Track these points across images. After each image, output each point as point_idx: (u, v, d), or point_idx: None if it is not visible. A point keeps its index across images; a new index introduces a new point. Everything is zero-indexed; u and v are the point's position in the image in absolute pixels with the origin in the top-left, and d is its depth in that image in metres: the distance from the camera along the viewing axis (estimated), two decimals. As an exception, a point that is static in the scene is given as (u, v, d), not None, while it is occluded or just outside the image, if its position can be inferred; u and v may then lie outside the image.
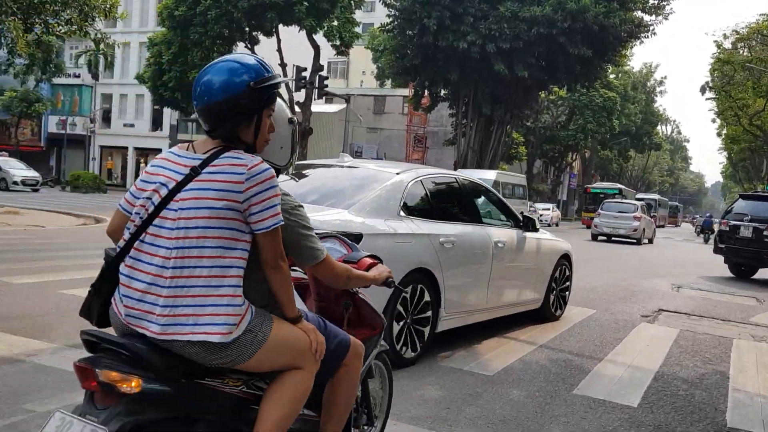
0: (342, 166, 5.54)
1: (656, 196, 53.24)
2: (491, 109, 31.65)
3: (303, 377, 2.14)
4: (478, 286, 5.70)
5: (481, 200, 6.45)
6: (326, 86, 27.77)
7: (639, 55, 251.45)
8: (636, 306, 8.73)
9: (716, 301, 10.15)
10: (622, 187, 45.56)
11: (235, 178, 1.96)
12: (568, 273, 7.37)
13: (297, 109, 29.76)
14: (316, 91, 28.06)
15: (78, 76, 46.69)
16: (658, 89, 70.04)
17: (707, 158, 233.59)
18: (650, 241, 26.92)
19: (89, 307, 2.07)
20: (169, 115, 44.95)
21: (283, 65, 28.80)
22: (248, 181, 1.96)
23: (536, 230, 6.60)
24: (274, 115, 2.16)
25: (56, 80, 45.89)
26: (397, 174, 5.23)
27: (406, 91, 41.10)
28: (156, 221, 1.98)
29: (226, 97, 1.98)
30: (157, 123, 46.68)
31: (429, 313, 4.98)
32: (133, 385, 1.85)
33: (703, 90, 43.09)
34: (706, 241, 30.78)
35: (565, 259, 7.27)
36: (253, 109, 2.04)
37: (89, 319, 2.08)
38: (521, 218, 6.46)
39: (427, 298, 4.95)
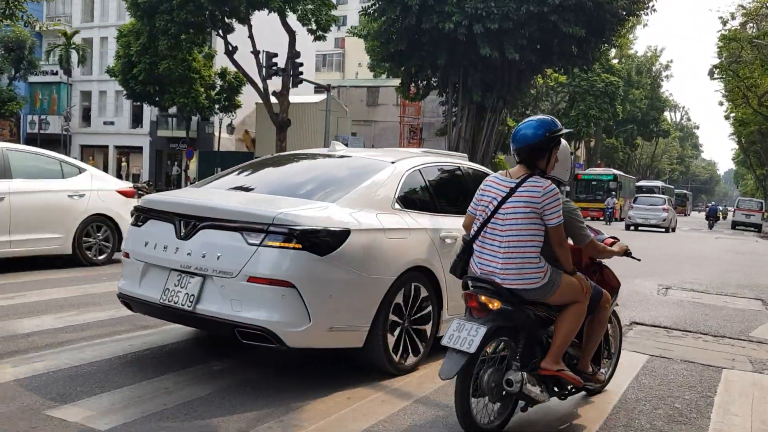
0: (333, 156, 5.32)
1: (659, 184, 51.48)
2: (482, 95, 30.21)
3: (579, 309, 3.56)
4: None
5: None
6: (301, 73, 26.54)
7: (643, 39, 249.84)
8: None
9: (710, 306, 8.37)
10: (618, 173, 43.03)
11: (536, 195, 3.38)
12: None
13: (273, 99, 28.49)
14: (301, 82, 26.74)
15: (56, 74, 45.07)
16: (663, 74, 68.39)
17: (719, 145, 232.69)
18: (673, 230, 30.21)
19: (455, 267, 3.66)
20: (149, 112, 43.63)
21: (255, 52, 27.40)
22: (543, 197, 3.38)
23: None
24: (559, 149, 3.61)
25: (33, 78, 44.67)
26: (392, 163, 4.96)
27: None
28: (492, 220, 3.48)
29: (532, 143, 3.44)
30: (137, 120, 45.43)
31: (429, 309, 4.63)
32: (495, 305, 3.35)
33: (711, 74, 41.46)
34: (711, 227, 36.11)
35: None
36: (547, 149, 3.50)
37: (455, 273, 3.68)
38: None
39: (424, 294, 4.61)
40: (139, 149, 45.68)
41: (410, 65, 31.52)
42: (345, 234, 4.01)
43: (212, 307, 3.93)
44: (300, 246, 3.81)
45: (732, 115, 50.34)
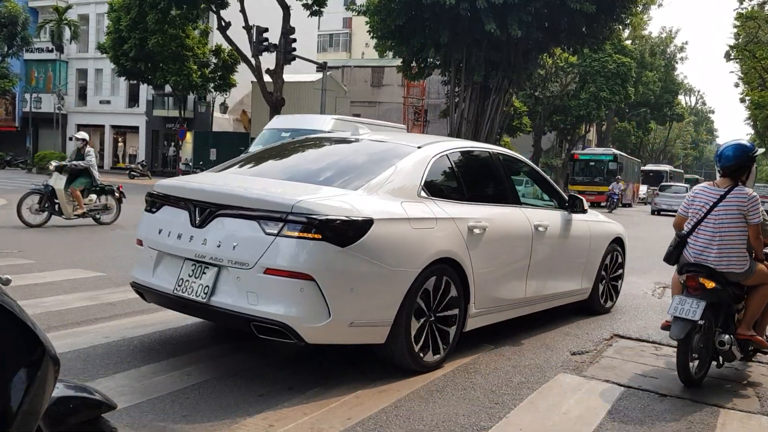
0: (357, 140, 5.18)
1: (667, 168, 50.92)
2: (486, 75, 29.78)
3: (766, 289, 4.57)
4: (515, 277, 5.28)
5: (519, 178, 6.08)
6: (293, 50, 26.13)
7: (657, 19, 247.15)
8: (574, 330, 5.79)
9: None
10: (618, 153, 41.14)
11: (743, 201, 4.43)
12: (620, 260, 6.99)
13: (267, 78, 28.14)
14: (294, 59, 26.44)
15: (51, 51, 44.87)
16: (678, 56, 68.01)
17: (735, 130, 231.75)
18: None
19: (670, 256, 4.66)
20: (145, 91, 43.48)
21: (247, 28, 26.94)
22: (748, 203, 4.43)
23: (584, 211, 6.20)
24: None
25: (30, 56, 44.63)
26: (419, 148, 4.83)
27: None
28: (705, 220, 4.51)
29: (736, 163, 4.48)
30: (134, 99, 45.30)
31: (455, 306, 4.52)
32: (711, 285, 4.34)
33: (727, 56, 41.08)
34: None
35: (618, 243, 6.88)
36: (747, 166, 4.57)
37: (669, 261, 4.70)
38: (566, 198, 6.14)
39: (453, 293, 4.50)
40: (135, 129, 45.60)
41: (412, 43, 30.96)
42: (368, 224, 3.88)
43: (228, 299, 3.85)
44: (320, 236, 3.70)
45: (748, 98, 49.98)
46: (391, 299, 4.03)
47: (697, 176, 70.63)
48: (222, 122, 42.74)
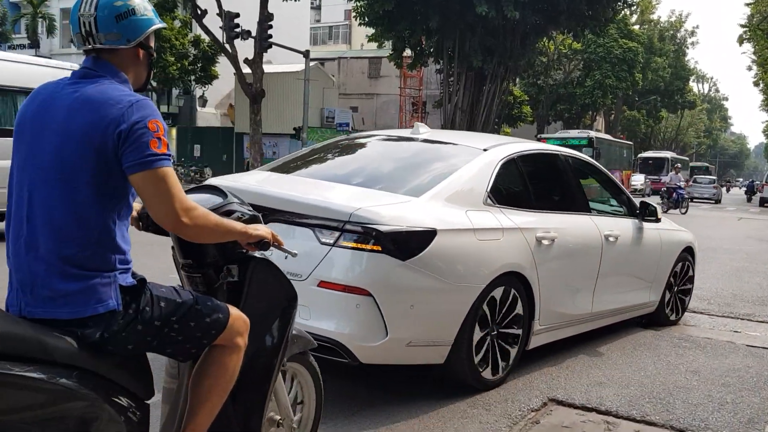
0: (415, 139, 5.07)
1: (668, 154, 50.40)
2: (481, 61, 29.22)
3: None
4: (583, 291, 5.17)
5: (588, 182, 6.11)
6: (269, 37, 25.65)
7: (667, 2, 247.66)
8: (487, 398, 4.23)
9: (707, 347, 5.59)
10: (597, 135, 37.88)
11: None
12: (690, 272, 6.84)
13: (246, 69, 27.52)
14: (270, 47, 25.94)
15: (27, 47, 44.67)
16: (689, 40, 68.04)
17: (750, 117, 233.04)
18: (719, 201, 39.57)
19: None
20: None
21: (221, 13, 26.10)
22: None
23: (657, 219, 6.07)
24: None
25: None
26: (485, 150, 4.71)
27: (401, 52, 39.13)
28: None
29: None
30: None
31: (518, 331, 4.42)
32: None
33: (740, 40, 41.27)
34: (749, 200, 43.83)
35: (688, 252, 6.75)
36: None
37: None
38: (638, 204, 6.04)
39: (518, 309, 4.39)
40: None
41: (400, 28, 30.41)
42: (431, 235, 3.79)
43: None
44: (379, 248, 3.61)
45: (762, 81, 50.28)
46: (453, 317, 3.94)
47: (706, 164, 69.92)
48: (208, 117, 42.35)
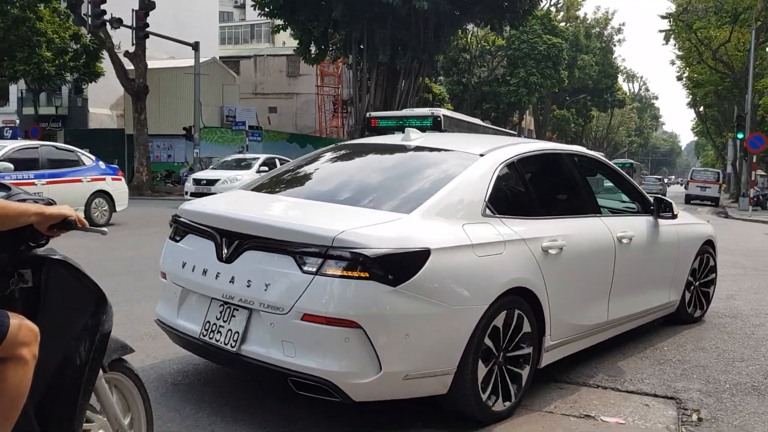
0: (407, 147, 4.99)
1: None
2: (392, 55, 29.42)
3: None
4: (596, 299, 5.10)
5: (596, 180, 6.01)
6: (146, 26, 25.27)
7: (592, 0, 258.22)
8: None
9: None
10: (445, 113, 32.92)
11: None
12: (712, 263, 6.94)
13: (129, 64, 26.84)
14: (147, 36, 25.61)
15: None
16: (615, 38, 70.85)
17: (680, 116, 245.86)
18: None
19: None
20: (16, 87, 41.64)
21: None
22: None
23: (674, 216, 6.03)
24: None
25: None
26: (481, 156, 4.59)
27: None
28: None
29: None
30: (3, 96, 43.36)
31: (527, 350, 4.30)
32: None
33: (667, 37, 43.29)
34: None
35: (709, 245, 6.86)
36: None
37: None
38: (652, 200, 5.97)
39: (526, 328, 4.26)
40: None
41: (302, 19, 30.14)
42: (424, 255, 3.66)
43: (260, 349, 3.66)
44: (367, 275, 3.48)
45: (686, 75, 52.91)
46: (453, 343, 3.82)
47: (631, 161, 72.18)
48: (102, 119, 41.14)
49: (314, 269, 3.54)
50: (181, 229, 4.32)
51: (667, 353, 5.72)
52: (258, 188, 4.82)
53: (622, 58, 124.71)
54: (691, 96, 57.21)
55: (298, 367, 3.54)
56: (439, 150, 4.90)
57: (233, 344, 3.76)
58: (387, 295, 3.54)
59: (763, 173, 55.29)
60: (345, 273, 3.50)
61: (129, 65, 27.91)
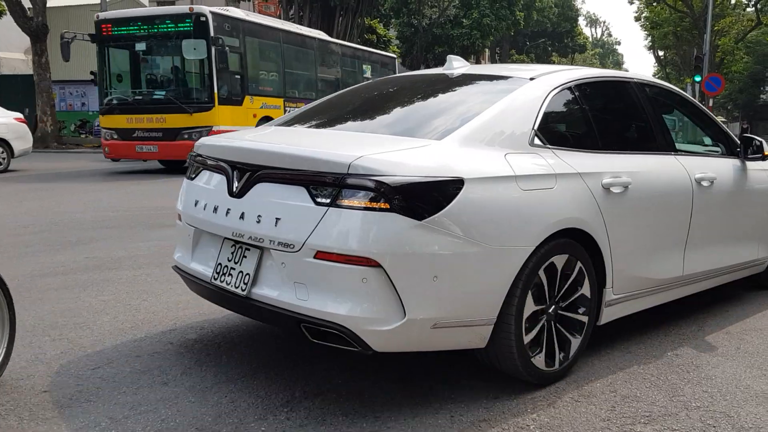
0: (449, 76, 4.70)
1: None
2: None
3: None
4: (670, 249, 4.66)
5: (673, 116, 5.64)
6: None
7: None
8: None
9: None
10: (203, 12, 21.63)
11: None
12: None
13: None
14: None
15: None
16: (575, -23, 70.42)
17: (643, 62, 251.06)
18: None
19: None
20: None
21: None
22: None
23: (764, 157, 5.57)
24: None
25: None
26: (531, 80, 4.21)
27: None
28: None
29: None
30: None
31: (584, 304, 3.96)
32: None
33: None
34: None
35: None
36: None
37: None
38: (738, 142, 5.50)
39: (583, 277, 3.92)
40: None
41: None
42: (456, 185, 3.33)
43: (272, 292, 3.41)
44: (388, 206, 3.16)
45: (644, 15, 53.85)
46: (492, 289, 3.45)
47: None
48: (15, 64, 39.40)
49: (328, 201, 3.26)
50: (196, 166, 4.16)
51: None
52: (287, 123, 4.59)
53: (581, 1, 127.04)
54: (649, 38, 58.25)
55: (310, 312, 3.26)
56: (484, 77, 4.63)
57: (243, 287, 3.53)
58: (411, 230, 3.20)
59: (724, 120, 56.58)
60: (362, 204, 3.18)
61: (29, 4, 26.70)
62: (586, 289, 3.95)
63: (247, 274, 3.55)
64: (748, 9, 52.01)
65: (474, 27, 46.60)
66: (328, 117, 4.60)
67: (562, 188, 3.81)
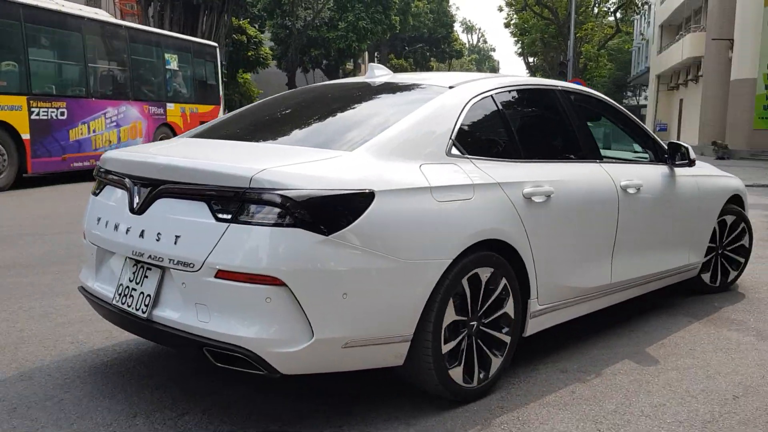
0: (369, 85, 4.66)
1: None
2: None
3: None
4: (597, 257, 4.65)
5: (599, 123, 5.83)
6: None
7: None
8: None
9: None
10: None
11: None
12: (742, 224, 6.33)
13: None
14: None
15: None
16: (448, -16, 71.96)
17: (516, 68, 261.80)
18: None
19: None
20: None
21: None
22: None
23: (691, 163, 5.56)
24: None
25: None
26: (450, 88, 4.17)
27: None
28: None
29: None
30: None
31: (507, 316, 3.91)
32: None
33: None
34: None
35: (736, 202, 6.31)
36: None
37: None
38: (665, 147, 5.50)
39: (504, 288, 3.86)
40: None
41: None
42: (366, 198, 3.26)
43: (173, 314, 3.28)
44: (292, 221, 3.06)
45: (513, 22, 56.02)
46: (407, 305, 3.38)
47: None
48: None
49: (230, 217, 3.15)
50: (100, 181, 4.02)
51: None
52: (198, 134, 4.47)
53: (456, 7, 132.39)
54: (519, 44, 60.56)
55: (212, 334, 3.13)
56: (404, 86, 4.59)
57: (144, 309, 3.39)
58: (317, 246, 3.10)
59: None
60: (265, 220, 3.09)
61: None
62: (510, 308, 3.90)
63: (148, 295, 3.41)
64: (609, 18, 54.77)
65: (350, 30, 46.93)
66: (242, 128, 4.49)
67: (480, 199, 3.77)
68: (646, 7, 54.83)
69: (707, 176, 6.01)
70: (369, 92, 4.59)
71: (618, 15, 51.33)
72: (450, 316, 3.56)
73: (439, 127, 3.87)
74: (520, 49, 63.21)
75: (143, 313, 3.40)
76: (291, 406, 3.69)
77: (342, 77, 48.93)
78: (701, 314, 5.61)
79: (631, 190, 4.90)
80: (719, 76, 35.54)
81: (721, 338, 4.97)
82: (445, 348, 3.56)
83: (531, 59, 63.43)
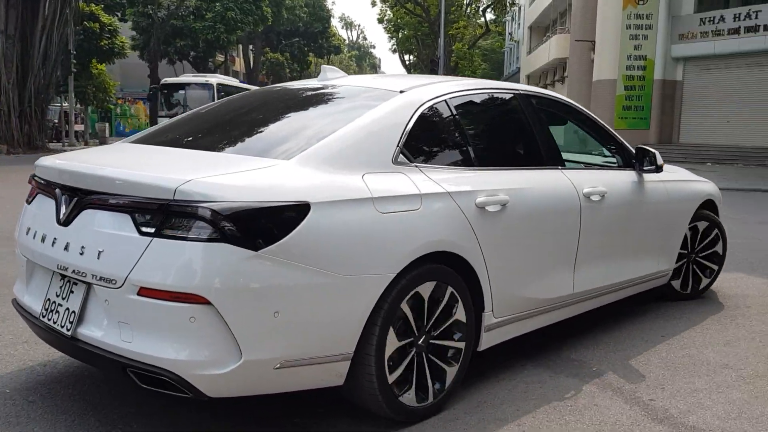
0: (322, 87, 4.52)
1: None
2: None
3: None
4: (557, 268, 4.52)
5: (563, 128, 5.78)
6: None
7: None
8: None
9: None
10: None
11: None
12: (715, 230, 6.28)
13: None
14: None
15: None
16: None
17: (397, 65, 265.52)
18: None
19: None
20: None
21: None
22: None
23: (658, 169, 5.46)
24: None
25: None
26: (401, 92, 4.03)
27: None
28: None
29: None
30: None
31: (459, 331, 3.83)
32: None
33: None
34: None
35: (709, 207, 6.25)
36: None
37: None
38: (633, 151, 5.40)
39: (456, 303, 3.78)
40: None
41: None
42: (301, 210, 3.14)
43: (96, 332, 3.16)
44: (218, 236, 2.93)
45: (386, 18, 56.86)
46: (347, 322, 3.27)
47: None
48: None
49: (153, 230, 3.02)
50: (32, 189, 3.92)
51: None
52: (138, 140, 4.32)
53: (332, 1, 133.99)
54: (393, 40, 61.50)
55: (136, 355, 3.00)
56: (354, 89, 4.47)
57: (69, 326, 3.28)
58: (246, 262, 2.98)
59: None
60: (189, 234, 2.96)
61: None
62: (460, 314, 3.77)
63: (73, 311, 3.30)
64: (481, 19, 56.27)
65: (218, 20, 45.78)
66: (184, 133, 4.33)
67: (427, 209, 3.65)
68: (515, 8, 56.05)
69: (677, 181, 5.97)
70: (317, 97, 4.48)
71: (489, 15, 52.46)
72: (393, 343, 3.46)
73: (385, 133, 3.75)
74: (394, 46, 63.97)
75: (68, 330, 3.29)
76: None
77: (213, 70, 47.99)
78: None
79: (594, 198, 4.81)
80: (582, 77, 37.09)
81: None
82: (391, 370, 3.46)
83: (407, 56, 64.35)
